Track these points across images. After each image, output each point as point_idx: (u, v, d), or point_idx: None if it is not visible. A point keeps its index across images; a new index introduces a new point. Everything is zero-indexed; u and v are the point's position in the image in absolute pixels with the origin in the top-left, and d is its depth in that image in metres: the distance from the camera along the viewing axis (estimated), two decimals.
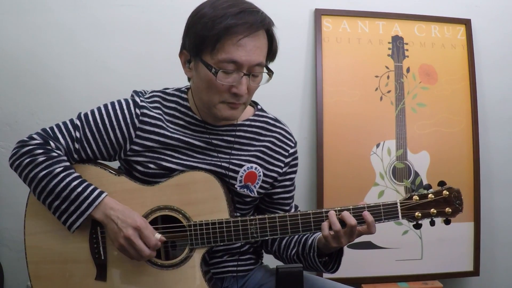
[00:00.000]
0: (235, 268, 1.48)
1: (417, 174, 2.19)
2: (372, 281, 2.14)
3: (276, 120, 1.51)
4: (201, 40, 1.27)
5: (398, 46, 2.22)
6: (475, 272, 2.22)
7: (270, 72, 1.34)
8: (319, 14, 2.17)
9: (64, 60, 2.03)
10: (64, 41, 2.03)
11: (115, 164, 1.47)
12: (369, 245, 2.14)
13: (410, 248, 2.18)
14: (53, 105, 2.03)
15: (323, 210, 1.32)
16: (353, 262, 2.11)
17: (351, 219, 1.29)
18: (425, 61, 2.23)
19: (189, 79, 1.42)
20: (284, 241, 1.50)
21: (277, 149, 1.47)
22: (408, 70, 2.22)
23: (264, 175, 1.44)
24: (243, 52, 1.26)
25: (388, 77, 2.20)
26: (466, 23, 2.27)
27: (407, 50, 2.22)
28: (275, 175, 1.47)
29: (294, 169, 1.52)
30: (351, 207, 1.32)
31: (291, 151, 1.50)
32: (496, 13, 2.32)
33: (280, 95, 2.16)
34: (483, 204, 2.23)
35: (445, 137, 2.22)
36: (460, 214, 1.35)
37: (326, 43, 2.17)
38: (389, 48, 2.21)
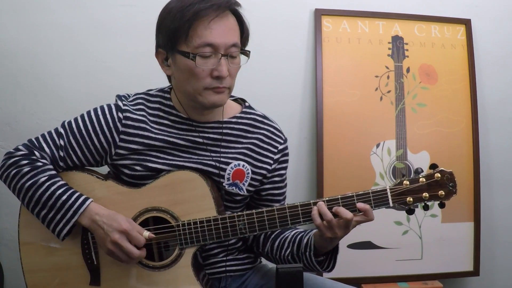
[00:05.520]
0: (232, 268, 1.47)
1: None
2: (372, 281, 2.13)
3: (264, 117, 1.50)
4: (174, 31, 1.29)
5: (398, 46, 2.21)
6: (475, 272, 2.21)
7: (247, 52, 1.35)
8: (319, 14, 2.17)
9: (64, 60, 2.03)
10: (64, 41, 2.03)
11: (104, 169, 1.47)
12: (369, 245, 2.13)
13: (410, 248, 2.17)
14: (53, 105, 2.03)
15: (311, 201, 1.31)
16: (353, 262, 2.11)
17: (346, 214, 1.27)
18: (425, 61, 2.23)
19: (169, 78, 1.43)
20: (277, 242, 1.48)
21: (266, 146, 1.46)
22: (408, 70, 2.21)
23: (253, 172, 1.44)
24: (216, 34, 1.28)
25: (388, 77, 2.20)
26: (466, 23, 2.27)
27: (407, 50, 2.22)
28: (264, 172, 1.46)
29: (284, 165, 1.51)
30: (339, 196, 1.30)
31: (280, 147, 1.49)
32: (496, 13, 2.32)
33: (280, 95, 2.16)
34: (483, 204, 2.23)
35: (445, 137, 2.22)
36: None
37: (326, 43, 2.17)
38: (389, 48, 2.21)
